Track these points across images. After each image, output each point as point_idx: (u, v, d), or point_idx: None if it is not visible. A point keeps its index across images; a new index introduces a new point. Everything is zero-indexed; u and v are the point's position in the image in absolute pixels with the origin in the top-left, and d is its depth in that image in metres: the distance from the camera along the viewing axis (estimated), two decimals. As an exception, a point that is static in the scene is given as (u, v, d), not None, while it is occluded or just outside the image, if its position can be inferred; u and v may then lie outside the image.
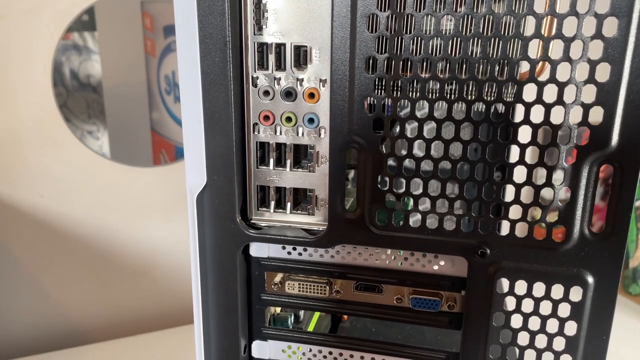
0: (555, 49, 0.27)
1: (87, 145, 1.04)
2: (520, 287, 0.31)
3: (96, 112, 1.01)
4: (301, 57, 0.31)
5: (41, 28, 0.69)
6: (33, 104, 0.71)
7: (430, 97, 0.29)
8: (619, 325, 0.30)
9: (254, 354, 0.37)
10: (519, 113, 0.28)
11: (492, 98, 0.28)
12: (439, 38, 0.28)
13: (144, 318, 0.84)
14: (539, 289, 0.31)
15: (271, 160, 0.33)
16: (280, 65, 0.32)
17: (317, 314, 0.43)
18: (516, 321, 0.32)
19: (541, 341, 0.32)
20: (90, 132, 1.03)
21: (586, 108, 0.27)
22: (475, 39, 0.27)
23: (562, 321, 0.31)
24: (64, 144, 0.74)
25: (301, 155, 0.34)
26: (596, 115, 0.27)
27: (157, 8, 0.93)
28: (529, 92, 0.28)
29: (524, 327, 0.32)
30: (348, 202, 0.33)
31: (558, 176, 0.29)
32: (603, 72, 0.27)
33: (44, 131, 0.72)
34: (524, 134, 0.28)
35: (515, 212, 0.30)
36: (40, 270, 0.77)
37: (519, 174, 0.29)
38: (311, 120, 0.32)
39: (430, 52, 0.28)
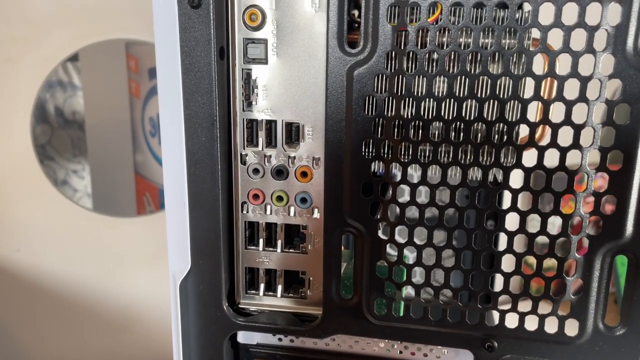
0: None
1: (72, 184, 1.00)
2: (531, 383, 0.29)
3: (82, 150, 0.98)
4: (293, 133, 0.29)
5: (22, 76, 0.67)
6: (11, 155, 0.68)
7: (432, 183, 0.27)
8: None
9: None
10: (527, 198, 0.26)
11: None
12: (440, 122, 0.26)
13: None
14: (550, 384, 0.28)
15: (261, 241, 0.31)
16: (270, 142, 0.30)
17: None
18: (526, 419, 0.29)
19: None
20: (75, 172, 1.00)
21: (598, 197, 0.26)
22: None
23: (576, 420, 0.28)
24: (42, 195, 0.71)
25: (293, 234, 0.32)
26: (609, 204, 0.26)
27: (142, 50, 0.91)
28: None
29: None
30: (343, 266, 0.31)
31: (570, 267, 0.27)
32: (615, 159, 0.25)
33: (21, 182, 0.69)
34: (535, 222, 0.27)
35: (525, 304, 0.28)
36: (16, 327, 0.73)
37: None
38: (304, 200, 0.30)
39: (431, 135, 0.26)
